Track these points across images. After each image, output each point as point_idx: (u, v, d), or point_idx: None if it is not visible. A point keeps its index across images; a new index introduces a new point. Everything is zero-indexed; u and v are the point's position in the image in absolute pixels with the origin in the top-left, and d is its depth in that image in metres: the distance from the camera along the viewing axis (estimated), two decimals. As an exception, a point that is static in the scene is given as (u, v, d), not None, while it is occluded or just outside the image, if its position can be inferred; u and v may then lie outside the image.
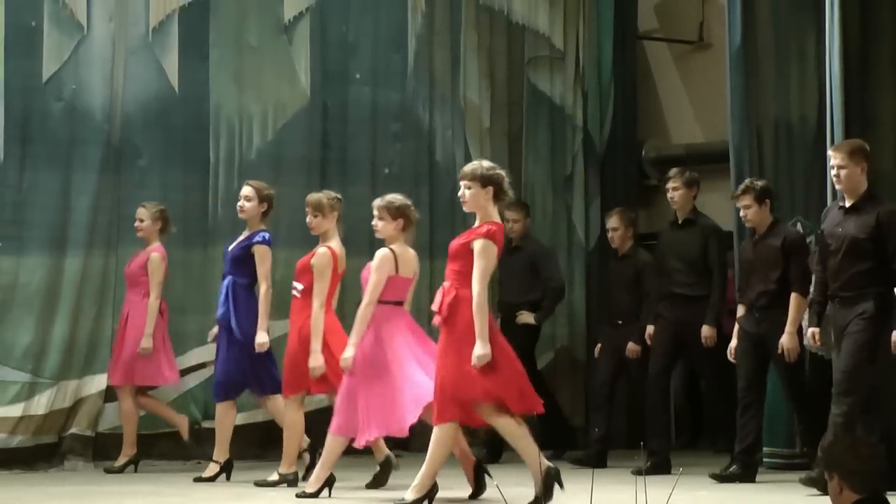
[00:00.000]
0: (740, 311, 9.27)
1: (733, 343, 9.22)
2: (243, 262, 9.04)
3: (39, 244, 9.95)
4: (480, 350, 7.22)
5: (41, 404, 9.85)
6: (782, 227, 9.23)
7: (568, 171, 12.39)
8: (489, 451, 10.63)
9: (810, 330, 8.30)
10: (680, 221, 9.97)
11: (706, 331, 9.70)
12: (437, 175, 11.74)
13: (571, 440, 11.27)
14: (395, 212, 7.96)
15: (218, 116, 10.74)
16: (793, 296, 8.89)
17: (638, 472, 9.03)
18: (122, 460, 9.67)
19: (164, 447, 10.25)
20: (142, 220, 9.75)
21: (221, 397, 9.14)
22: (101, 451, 9.99)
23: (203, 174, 10.62)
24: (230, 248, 9.18)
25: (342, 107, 11.30)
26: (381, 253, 7.98)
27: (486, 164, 7.49)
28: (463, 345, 7.27)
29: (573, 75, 12.39)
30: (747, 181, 9.28)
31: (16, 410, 9.82)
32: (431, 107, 11.72)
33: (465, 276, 7.30)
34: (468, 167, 7.47)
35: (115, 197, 10.26)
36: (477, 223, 7.41)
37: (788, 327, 8.87)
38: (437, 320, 7.45)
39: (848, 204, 8.04)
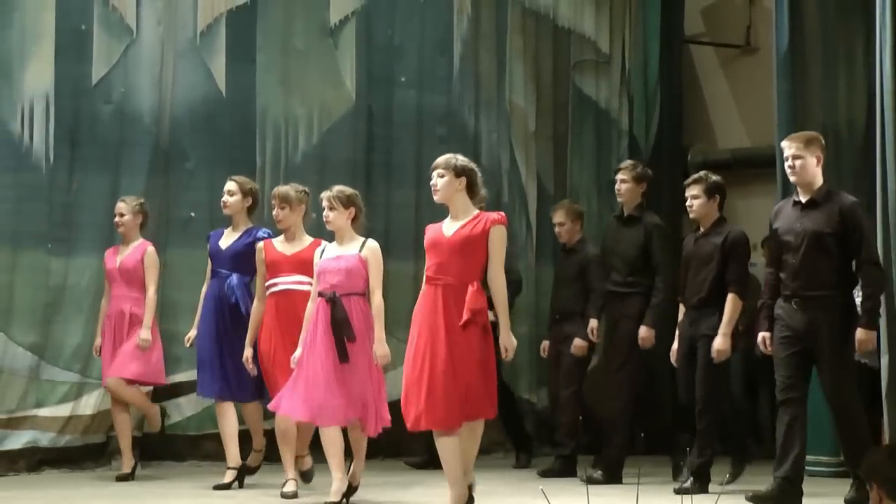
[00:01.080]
0: (680, 311, 8.98)
1: (674, 346, 8.93)
2: (247, 259, 8.88)
3: (88, 246, 10.02)
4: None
5: (89, 404, 9.92)
6: (727, 225, 8.88)
7: (613, 176, 12.26)
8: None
9: (761, 335, 7.87)
10: (625, 216, 9.59)
11: (643, 332, 9.31)
12: (482, 178, 11.65)
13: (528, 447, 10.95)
14: (346, 201, 7.97)
15: (264, 119, 10.81)
16: (729, 296, 8.58)
17: (589, 481, 9.05)
18: (129, 466, 9.45)
19: (208, 448, 10.30)
20: (122, 215, 9.50)
21: (250, 397, 9.02)
22: (147, 451, 10.04)
23: (249, 177, 10.51)
24: (223, 245, 8.99)
25: (387, 110, 11.34)
26: (375, 246, 8.02)
27: (462, 157, 7.43)
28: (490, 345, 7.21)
29: (619, 79, 12.39)
30: (702, 172, 9.03)
31: (64, 410, 9.90)
32: (477, 110, 11.74)
33: (472, 272, 7.13)
34: (441, 158, 7.39)
35: (162, 199, 10.32)
36: (461, 217, 7.25)
37: (723, 328, 8.55)
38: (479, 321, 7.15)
39: (804, 199, 7.73)
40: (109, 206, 10.08)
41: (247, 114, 10.76)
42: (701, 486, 8.56)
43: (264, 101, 10.83)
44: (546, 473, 9.84)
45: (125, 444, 9.36)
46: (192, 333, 9.10)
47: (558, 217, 10.25)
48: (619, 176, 9.55)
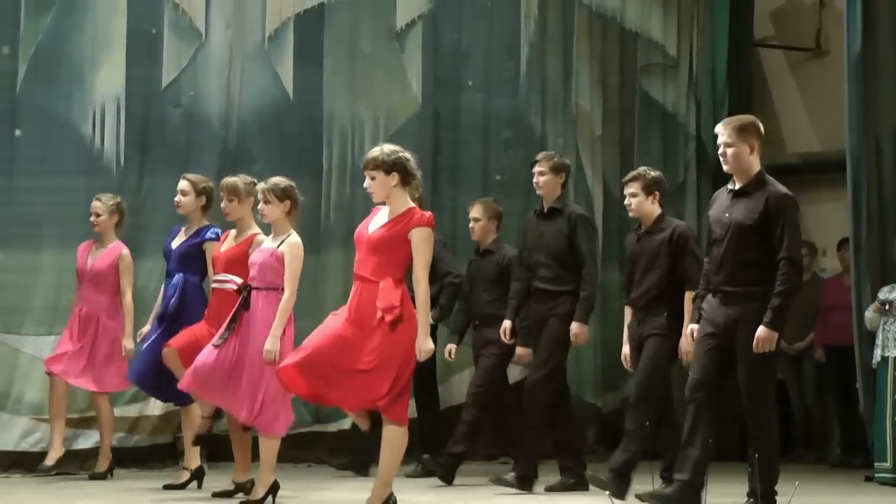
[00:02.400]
0: (627, 313, 8.56)
1: (624, 349, 8.51)
2: (194, 259, 8.70)
3: (157, 248, 9.99)
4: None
5: (157, 405, 9.96)
6: (671, 220, 8.49)
7: (680, 180, 12.34)
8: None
9: (690, 326, 7.51)
10: (545, 210, 8.97)
11: (575, 328, 8.71)
12: None
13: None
14: (280, 194, 7.70)
15: (331, 123, 10.87)
16: (686, 294, 8.13)
17: (550, 489, 8.84)
18: (104, 466, 9.30)
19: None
20: (98, 215, 9.24)
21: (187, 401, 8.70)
22: (216, 452, 10.09)
23: (316, 180, 10.71)
24: (174, 244, 8.80)
25: (454, 114, 11.37)
26: (296, 242, 7.73)
27: (388, 148, 6.95)
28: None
29: (686, 83, 12.36)
30: (640, 168, 8.66)
31: (133, 411, 10.00)
32: (543, 114, 11.74)
33: (388, 269, 6.80)
34: (369, 155, 6.92)
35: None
36: (391, 213, 6.89)
37: (686, 329, 7.99)
38: (388, 318, 6.77)
39: (737, 187, 7.24)
40: (178, 209, 10.24)
41: (314, 117, 10.82)
42: (619, 485, 8.19)
43: (331, 104, 10.90)
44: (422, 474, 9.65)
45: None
46: (145, 329, 8.99)
47: (475, 212, 9.78)
48: (536, 168, 8.97)
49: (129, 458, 9.98)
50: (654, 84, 12.28)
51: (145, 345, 8.83)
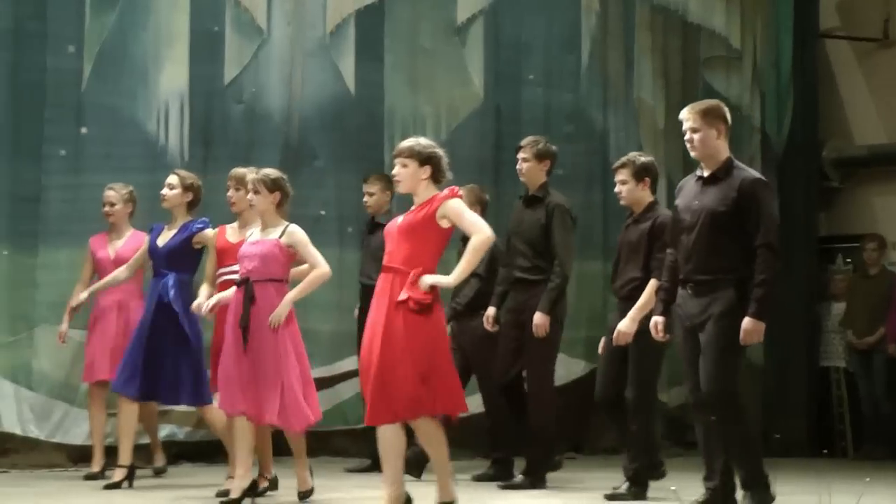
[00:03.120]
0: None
1: (603, 339, 8.25)
2: (185, 256, 8.49)
3: (219, 243, 10.20)
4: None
5: (222, 399, 10.04)
6: (658, 210, 8.17)
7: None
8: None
9: (654, 319, 7.18)
10: (528, 197, 8.82)
11: (538, 318, 8.46)
12: (611, 177, 11.49)
13: None
14: (271, 184, 7.61)
15: (392, 118, 10.92)
16: (651, 281, 7.86)
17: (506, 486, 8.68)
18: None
19: (337, 444, 10.43)
20: (113, 205, 9.11)
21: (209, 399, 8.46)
22: (285, 447, 10.10)
23: (378, 175, 10.70)
24: (160, 242, 8.51)
25: (515, 108, 11.38)
26: (297, 228, 7.65)
27: (425, 141, 6.78)
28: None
29: (750, 75, 12.32)
30: (630, 154, 8.40)
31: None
32: (605, 108, 11.75)
33: (420, 259, 6.54)
34: (404, 143, 6.74)
35: (292, 197, 10.42)
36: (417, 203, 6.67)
37: (632, 312, 7.85)
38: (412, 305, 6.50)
39: (706, 173, 6.97)
40: (241, 204, 10.32)
41: (375, 113, 10.88)
42: (637, 492, 8.03)
43: (392, 100, 10.95)
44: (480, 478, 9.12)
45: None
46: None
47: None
48: (520, 154, 8.79)
49: (197, 453, 10.08)
50: (718, 77, 12.25)
51: (134, 349, 8.47)
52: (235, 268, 7.94)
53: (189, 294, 8.36)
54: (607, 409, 8.25)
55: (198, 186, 8.66)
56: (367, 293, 9.40)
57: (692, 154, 7.05)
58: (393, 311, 6.49)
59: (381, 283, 6.62)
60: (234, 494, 7.52)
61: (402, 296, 6.45)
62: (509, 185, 11.17)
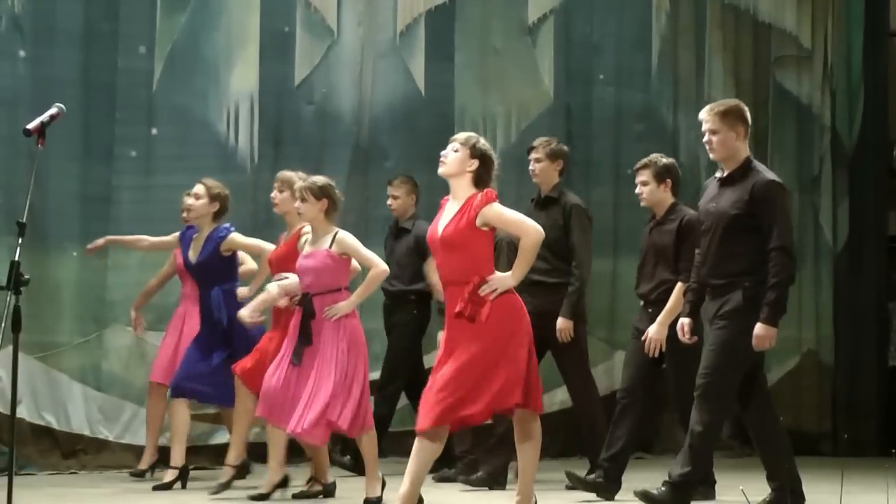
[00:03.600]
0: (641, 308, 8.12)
1: (630, 347, 8.09)
2: (219, 267, 8.42)
3: (289, 243, 10.19)
4: None
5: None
6: (682, 210, 8.01)
7: (815, 172, 12.21)
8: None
9: (681, 321, 7.10)
10: (542, 198, 8.68)
11: (561, 323, 8.38)
12: (681, 176, 11.60)
13: None
14: (318, 192, 7.53)
15: (463, 118, 10.89)
16: (678, 284, 7.68)
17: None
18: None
19: (409, 443, 10.36)
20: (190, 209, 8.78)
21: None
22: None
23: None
24: (192, 257, 8.47)
25: (585, 108, 11.36)
26: (345, 233, 7.56)
27: (484, 141, 6.58)
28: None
29: (821, 74, 12.23)
30: (652, 155, 8.19)
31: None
32: (675, 107, 11.70)
33: (474, 267, 6.34)
34: (463, 134, 6.58)
35: (363, 198, 10.44)
36: (456, 203, 6.43)
37: (661, 317, 7.69)
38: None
39: (726, 172, 6.93)
40: (311, 205, 10.30)
41: (445, 113, 10.85)
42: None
43: (463, 100, 10.95)
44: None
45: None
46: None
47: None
48: (532, 155, 8.69)
49: (266, 454, 10.03)
50: (789, 75, 12.17)
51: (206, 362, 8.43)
52: (285, 275, 7.89)
53: (235, 303, 8.30)
54: (623, 409, 7.93)
55: (224, 196, 8.55)
56: (389, 298, 9.52)
57: (711, 156, 7.01)
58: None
59: (448, 298, 6.43)
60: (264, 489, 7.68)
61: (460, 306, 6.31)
62: (578, 184, 11.18)
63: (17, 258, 5.39)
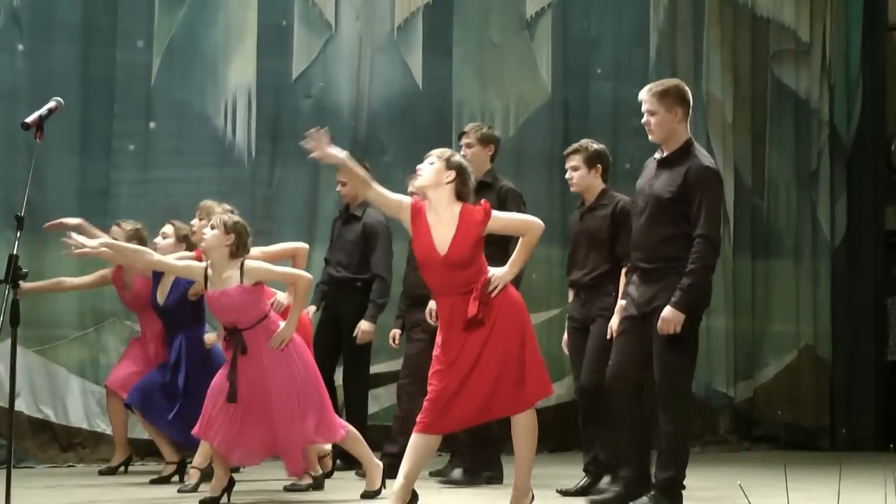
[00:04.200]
0: (570, 295, 8.01)
1: (565, 337, 7.98)
2: (184, 312, 8.40)
3: (289, 238, 10.06)
4: None
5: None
6: (614, 195, 7.89)
7: (813, 167, 12.22)
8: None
9: (619, 303, 7.05)
10: (477, 184, 8.15)
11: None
12: None
13: None
14: (231, 226, 7.17)
15: (461, 112, 10.91)
16: (623, 270, 7.50)
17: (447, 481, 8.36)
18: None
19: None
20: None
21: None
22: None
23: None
24: (160, 300, 8.43)
25: (583, 102, 11.36)
26: (250, 263, 7.26)
27: (460, 156, 6.68)
28: None
29: (819, 69, 12.24)
30: (582, 141, 8.05)
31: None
32: (674, 102, 11.67)
33: (477, 274, 6.33)
34: (439, 149, 6.54)
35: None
36: (451, 220, 6.36)
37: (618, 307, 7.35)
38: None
39: (664, 153, 6.72)
40: (309, 198, 10.32)
41: (443, 107, 10.87)
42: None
43: (461, 94, 10.96)
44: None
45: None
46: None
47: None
48: (464, 140, 8.51)
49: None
50: (787, 70, 12.17)
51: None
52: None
53: (199, 348, 8.35)
54: (588, 398, 7.79)
55: (189, 234, 8.40)
56: (334, 285, 9.27)
57: (650, 137, 6.81)
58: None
59: (446, 307, 6.37)
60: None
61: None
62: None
63: (15, 252, 5.41)
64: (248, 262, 7.18)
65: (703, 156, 6.70)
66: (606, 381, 6.86)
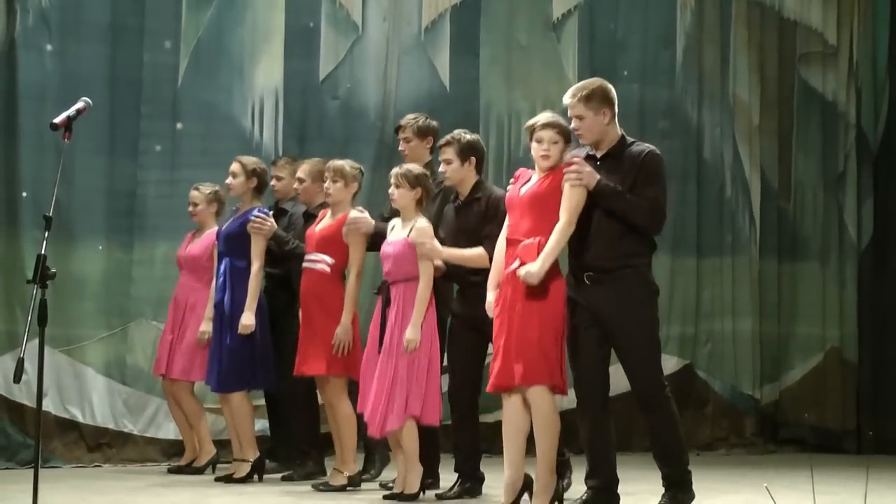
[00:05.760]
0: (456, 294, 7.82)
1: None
2: (239, 242, 8.52)
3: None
4: None
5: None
6: (488, 188, 7.66)
7: (840, 170, 12.19)
8: None
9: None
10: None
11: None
12: (705, 173, 11.75)
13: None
14: (413, 180, 7.51)
15: (488, 114, 10.95)
16: (481, 251, 7.33)
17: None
18: (204, 459, 9.06)
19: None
20: (196, 205, 9.16)
21: (233, 388, 8.52)
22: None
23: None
24: (223, 227, 8.72)
25: (610, 104, 11.36)
26: (423, 224, 7.46)
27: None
28: None
29: (846, 71, 12.20)
30: (455, 132, 7.75)
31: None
32: (700, 104, 11.71)
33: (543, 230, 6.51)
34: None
35: (386, 193, 10.44)
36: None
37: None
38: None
39: (600, 153, 6.60)
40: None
41: (470, 109, 10.90)
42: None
43: (488, 95, 10.99)
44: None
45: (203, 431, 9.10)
46: (206, 328, 8.75)
47: (302, 173, 8.84)
48: (401, 134, 8.36)
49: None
50: (814, 73, 12.15)
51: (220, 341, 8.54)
52: (318, 257, 7.99)
53: (244, 280, 8.42)
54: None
55: (261, 170, 8.71)
56: (272, 281, 9.01)
57: (581, 141, 6.68)
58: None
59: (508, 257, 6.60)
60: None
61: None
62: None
63: (43, 252, 5.41)
64: (420, 221, 7.47)
65: (643, 143, 6.64)
66: (575, 388, 6.65)
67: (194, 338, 8.87)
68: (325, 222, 8.15)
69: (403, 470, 7.51)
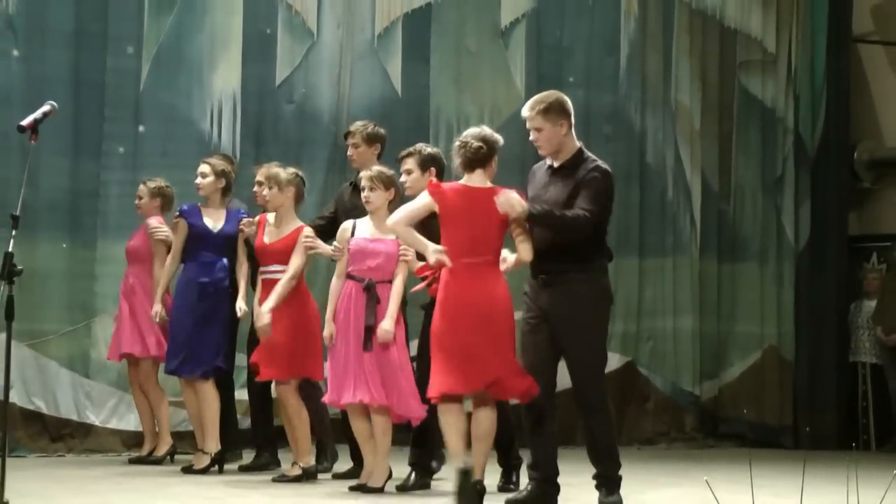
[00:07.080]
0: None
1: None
2: (234, 245, 8.63)
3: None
4: None
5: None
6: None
7: (778, 173, 12.41)
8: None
9: None
10: (353, 183, 8.38)
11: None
12: (648, 176, 11.94)
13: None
14: (387, 182, 7.66)
15: (438, 118, 11.14)
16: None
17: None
18: (163, 449, 9.19)
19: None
20: (140, 198, 9.27)
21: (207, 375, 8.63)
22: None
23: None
24: (214, 227, 8.68)
25: (556, 109, 11.57)
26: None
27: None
28: None
29: (785, 78, 12.44)
30: (417, 144, 7.99)
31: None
32: (643, 109, 11.91)
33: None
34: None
35: (341, 195, 10.64)
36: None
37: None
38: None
39: (557, 164, 6.77)
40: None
41: (421, 113, 11.09)
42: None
43: (438, 100, 11.17)
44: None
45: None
46: (160, 310, 8.83)
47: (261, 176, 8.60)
48: (350, 140, 8.48)
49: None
50: (753, 79, 12.39)
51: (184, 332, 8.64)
52: (273, 268, 8.12)
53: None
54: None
55: (228, 171, 8.83)
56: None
57: (540, 152, 6.85)
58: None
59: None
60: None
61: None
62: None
63: (11, 249, 5.56)
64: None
65: (597, 161, 6.77)
66: (587, 389, 6.76)
67: (146, 317, 9.00)
68: (273, 235, 8.25)
69: (372, 462, 7.67)
